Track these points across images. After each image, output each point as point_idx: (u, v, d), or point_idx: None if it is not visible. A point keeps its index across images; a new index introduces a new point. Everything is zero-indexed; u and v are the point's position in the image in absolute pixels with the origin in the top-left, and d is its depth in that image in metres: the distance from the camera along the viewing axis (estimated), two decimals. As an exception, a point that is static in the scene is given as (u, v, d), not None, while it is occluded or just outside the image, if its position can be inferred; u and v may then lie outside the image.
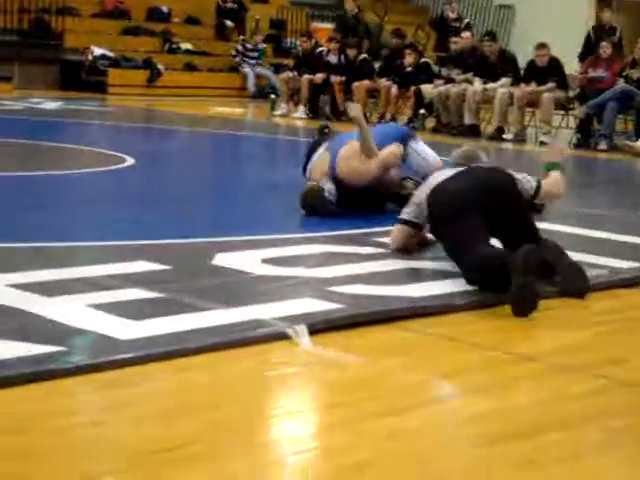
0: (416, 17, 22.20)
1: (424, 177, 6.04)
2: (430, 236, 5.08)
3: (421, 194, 4.99)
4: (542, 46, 13.03)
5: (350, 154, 6.40)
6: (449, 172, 4.96)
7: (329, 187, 6.32)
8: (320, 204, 6.27)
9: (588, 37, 14.50)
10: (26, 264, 4.52)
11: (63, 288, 4.13)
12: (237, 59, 19.78)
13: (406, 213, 5.10)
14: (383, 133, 6.72)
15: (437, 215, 4.77)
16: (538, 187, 5.03)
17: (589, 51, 13.71)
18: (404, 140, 6.63)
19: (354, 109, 6.57)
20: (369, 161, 6.35)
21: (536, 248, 4.17)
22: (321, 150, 6.67)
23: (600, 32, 14.06)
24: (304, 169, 6.82)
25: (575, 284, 4.56)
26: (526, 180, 5.01)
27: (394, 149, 6.45)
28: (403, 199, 5.55)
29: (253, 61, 19.69)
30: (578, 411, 3.14)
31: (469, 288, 4.42)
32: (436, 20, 17.52)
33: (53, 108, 14.82)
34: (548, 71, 12.91)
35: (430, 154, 6.68)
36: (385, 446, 2.77)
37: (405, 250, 5.12)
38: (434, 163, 6.50)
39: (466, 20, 17.19)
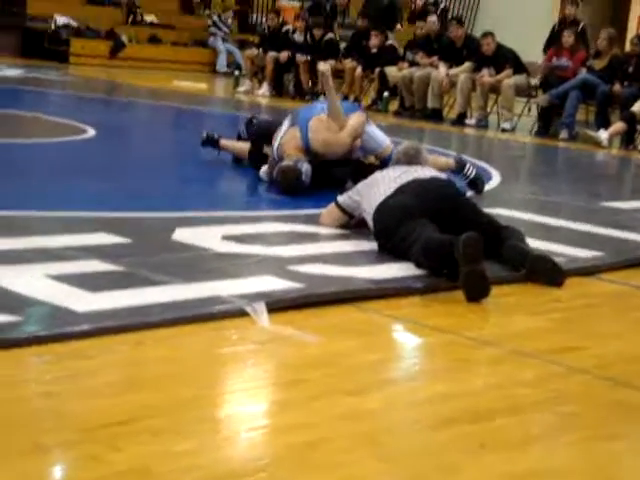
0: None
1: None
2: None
3: (361, 189, 5.09)
4: (486, 35, 13.00)
5: (320, 127, 6.48)
6: (392, 182, 4.91)
7: (306, 169, 6.29)
8: (295, 186, 6.25)
9: (553, 29, 14.55)
10: (-17, 233, 4.48)
11: (21, 258, 4.10)
12: (212, 29, 19.59)
13: (342, 199, 5.21)
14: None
15: (383, 229, 4.76)
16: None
17: (553, 43, 13.75)
18: None
19: (324, 65, 6.85)
20: (340, 132, 6.47)
21: (475, 234, 4.14)
22: (285, 127, 6.64)
23: (564, 24, 14.11)
24: (252, 154, 6.88)
25: (546, 275, 4.56)
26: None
27: (360, 118, 6.64)
28: (364, 173, 5.57)
29: (222, 34, 19.57)
30: (530, 396, 3.17)
31: (426, 272, 4.44)
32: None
33: (14, 75, 14.65)
34: (496, 58, 12.89)
35: (379, 134, 6.85)
36: (339, 425, 2.79)
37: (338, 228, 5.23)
38: (383, 142, 6.76)
39: (442, 5, 17.13)
